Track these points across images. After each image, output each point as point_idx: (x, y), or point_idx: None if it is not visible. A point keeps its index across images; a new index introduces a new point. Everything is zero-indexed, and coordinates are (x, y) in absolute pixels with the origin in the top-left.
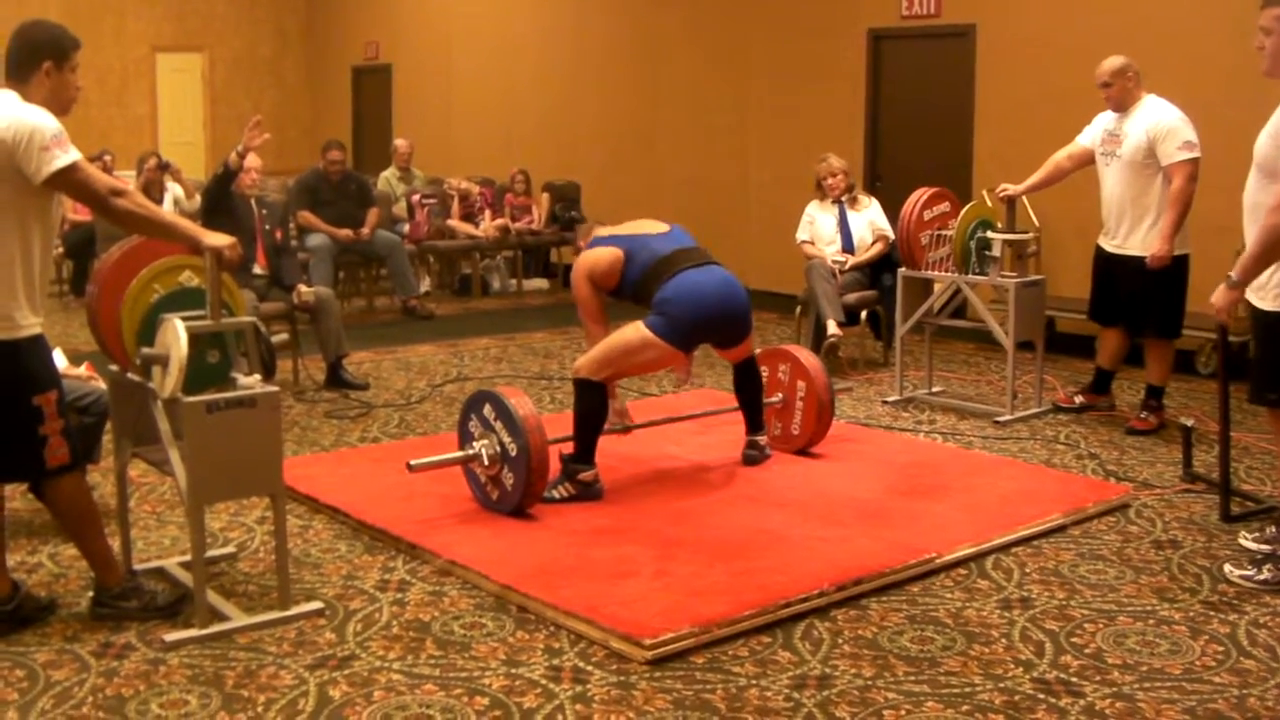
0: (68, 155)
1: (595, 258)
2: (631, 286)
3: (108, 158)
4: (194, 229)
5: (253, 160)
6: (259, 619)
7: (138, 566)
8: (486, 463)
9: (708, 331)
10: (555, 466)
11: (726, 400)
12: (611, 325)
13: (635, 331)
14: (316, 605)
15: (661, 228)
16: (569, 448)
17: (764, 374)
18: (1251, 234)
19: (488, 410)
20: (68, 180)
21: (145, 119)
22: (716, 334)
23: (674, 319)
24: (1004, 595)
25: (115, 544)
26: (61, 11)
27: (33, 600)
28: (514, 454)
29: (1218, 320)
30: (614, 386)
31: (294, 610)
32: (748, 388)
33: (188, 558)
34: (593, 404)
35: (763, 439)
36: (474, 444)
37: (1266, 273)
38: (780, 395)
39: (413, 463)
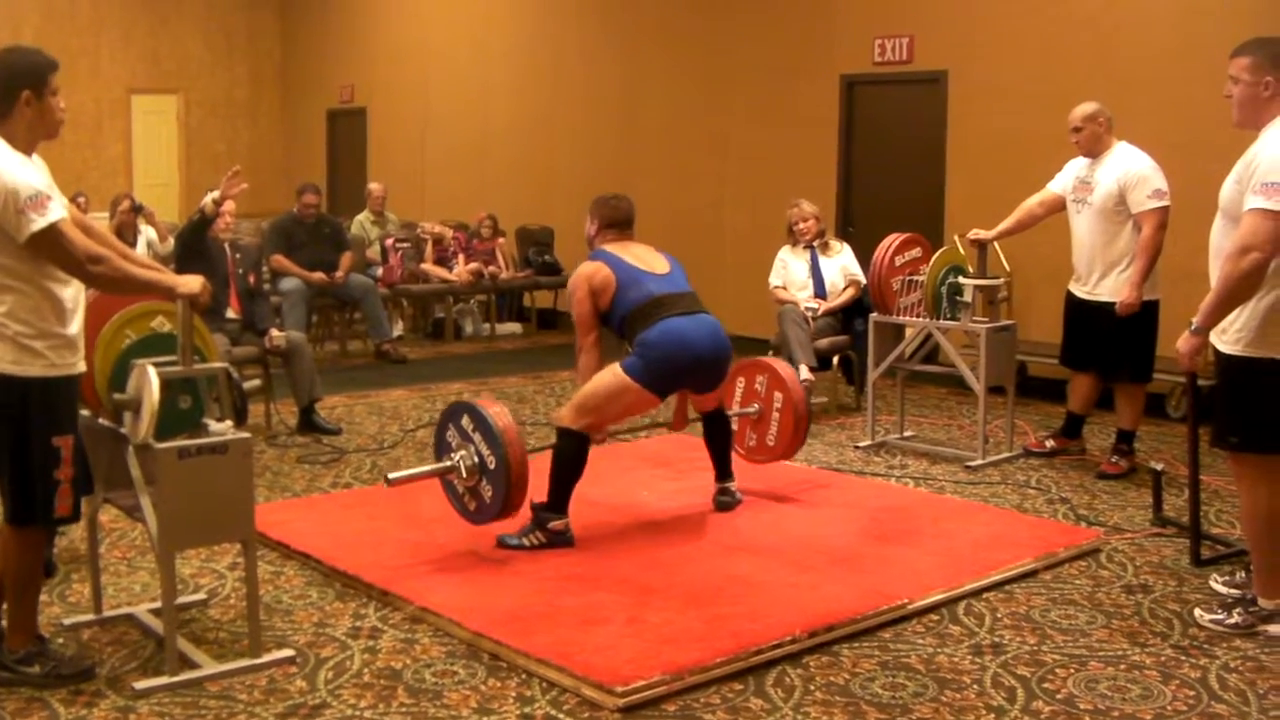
0: (44, 218)
1: (595, 269)
2: (619, 319)
3: (81, 199)
4: (166, 279)
5: (227, 205)
6: (230, 666)
7: (109, 612)
8: (465, 475)
9: (684, 378)
10: (532, 490)
11: (700, 444)
12: (604, 361)
13: (612, 375)
14: (288, 653)
15: (662, 267)
16: (546, 480)
17: (740, 385)
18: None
19: (465, 421)
20: (44, 244)
21: (119, 160)
22: (693, 381)
23: (651, 363)
24: (976, 641)
25: (86, 590)
26: None
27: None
28: (493, 467)
29: (1188, 368)
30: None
31: (265, 658)
32: (716, 438)
33: (158, 604)
34: (572, 453)
35: (733, 485)
36: (452, 455)
37: (1229, 317)
38: (756, 406)
39: (390, 476)
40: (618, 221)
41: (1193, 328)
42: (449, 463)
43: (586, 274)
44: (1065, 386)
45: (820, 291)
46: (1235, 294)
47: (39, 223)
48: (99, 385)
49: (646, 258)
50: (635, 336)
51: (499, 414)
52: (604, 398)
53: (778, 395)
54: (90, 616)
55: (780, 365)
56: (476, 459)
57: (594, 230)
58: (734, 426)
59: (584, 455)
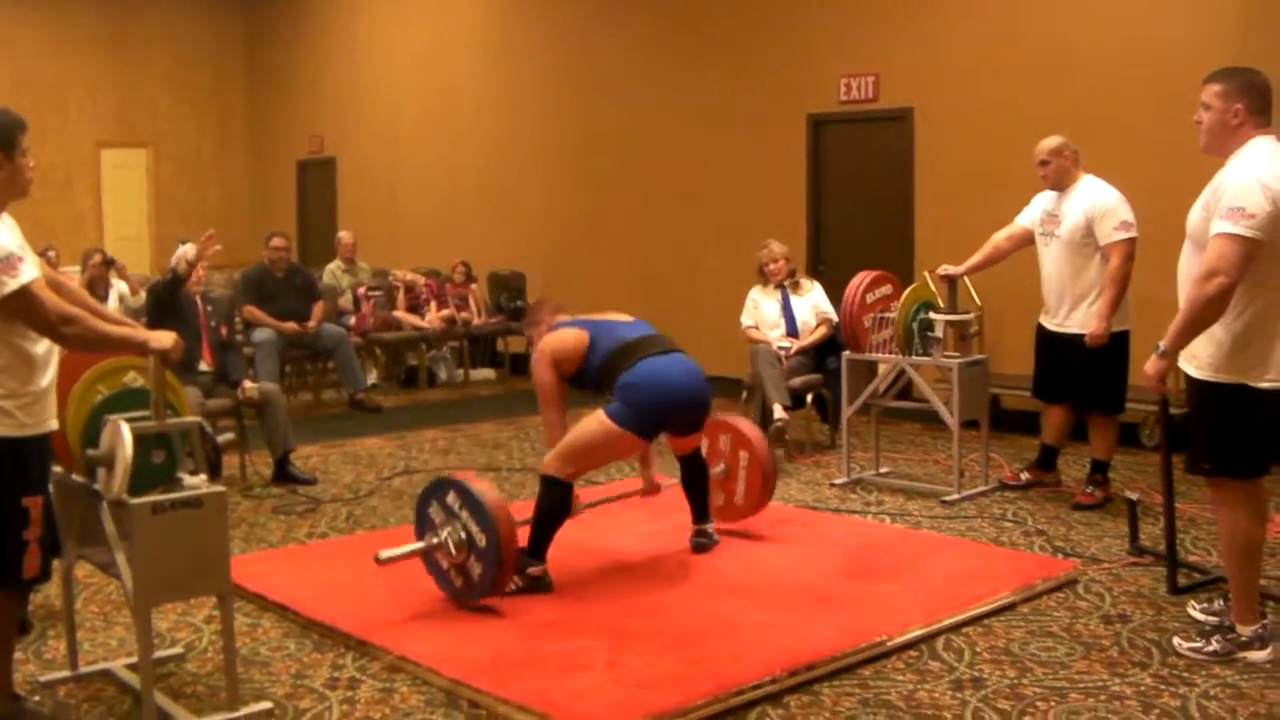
0: (15, 280)
1: (560, 339)
2: (594, 373)
3: (51, 253)
4: (138, 335)
5: (200, 264)
6: None
7: (85, 669)
8: (453, 552)
9: (669, 419)
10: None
11: (676, 486)
12: (571, 416)
13: (597, 423)
14: (266, 705)
15: (626, 317)
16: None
17: (705, 445)
18: None
19: (451, 498)
20: (16, 306)
21: (89, 214)
22: (678, 421)
23: (637, 406)
24: (956, 676)
25: (61, 646)
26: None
27: None
28: (483, 545)
29: (1156, 392)
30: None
31: (243, 711)
32: (694, 480)
33: (135, 659)
34: (556, 501)
35: (710, 526)
36: (438, 532)
37: (1199, 341)
38: (723, 465)
39: (381, 555)
40: (564, 306)
41: (1160, 350)
42: (438, 540)
43: (550, 348)
44: (1039, 419)
45: (792, 330)
46: (1202, 317)
47: (10, 285)
48: (71, 441)
49: (607, 314)
50: (616, 380)
51: (487, 490)
52: (592, 447)
53: (743, 454)
54: (66, 673)
55: (743, 423)
56: (463, 534)
57: (549, 324)
58: None
59: (568, 503)
